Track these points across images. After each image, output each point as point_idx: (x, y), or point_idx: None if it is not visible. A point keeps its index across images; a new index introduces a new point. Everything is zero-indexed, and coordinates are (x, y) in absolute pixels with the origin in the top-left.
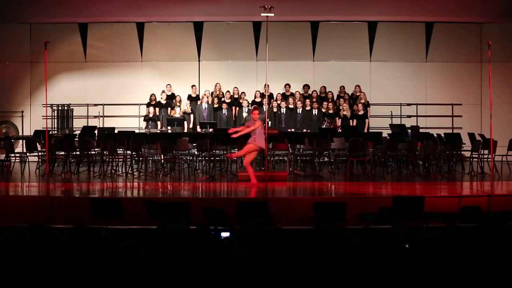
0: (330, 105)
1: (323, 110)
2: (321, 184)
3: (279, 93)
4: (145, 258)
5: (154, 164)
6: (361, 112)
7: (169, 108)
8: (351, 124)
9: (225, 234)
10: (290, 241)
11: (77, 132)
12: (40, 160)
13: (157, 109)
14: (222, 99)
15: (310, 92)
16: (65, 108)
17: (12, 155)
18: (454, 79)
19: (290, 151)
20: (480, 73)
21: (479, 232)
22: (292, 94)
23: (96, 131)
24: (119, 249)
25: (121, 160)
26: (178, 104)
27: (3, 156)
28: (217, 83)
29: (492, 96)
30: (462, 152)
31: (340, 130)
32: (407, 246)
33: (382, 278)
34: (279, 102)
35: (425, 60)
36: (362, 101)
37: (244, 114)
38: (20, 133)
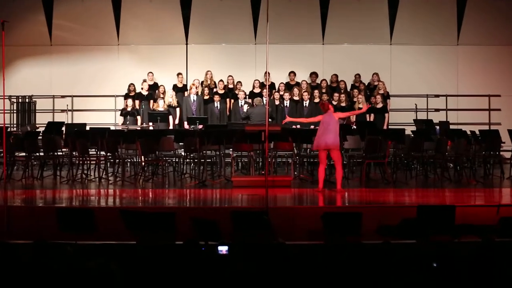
0: (343, 96)
1: (335, 103)
2: (332, 191)
3: (282, 83)
4: (120, 279)
5: (133, 167)
6: (380, 105)
7: (151, 101)
8: (368, 120)
9: (222, 249)
10: (295, 258)
11: (41, 129)
12: None
13: (136, 101)
14: (214, 89)
15: (318, 81)
16: (27, 100)
17: None
18: (492, 66)
19: (295, 152)
20: None
21: None
22: (297, 84)
23: (63, 128)
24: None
25: (94, 162)
26: (161, 95)
27: None
28: (208, 71)
29: None
30: (501, 153)
31: (355, 127)
32: (435, 264)
33: None
34: (282, 93)
35: (457, 43)
36: (381, 92)
37: (245, 107)
38: None
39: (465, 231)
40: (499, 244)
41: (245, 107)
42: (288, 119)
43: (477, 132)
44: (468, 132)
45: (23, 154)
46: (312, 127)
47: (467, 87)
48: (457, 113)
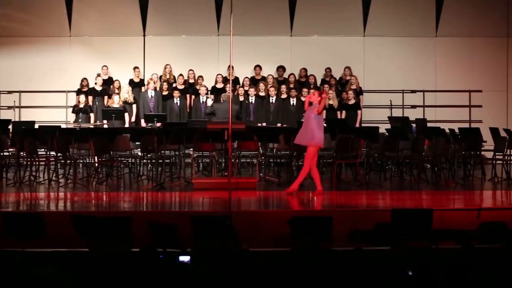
0: (312, 92)
1: (303, 99)
2: (300, 194)
3: (246, 77)
4: None
5: (86, 169)
6: (352, 102)
7: (105, 97)
8: (339, 117)
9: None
10: (260, 266)
11: None
12: None
13: (90, 97)
14: (174, 84)
15: (286, 75)
16: None
17: None
18: (472, 59)
19: (261, 152)
20: (507, 51)
21: (504, 255)
22: (263, 79)
23: (10, 126)
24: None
25: (43, 163)
26: (116, 91)
27: None
28: (167, 65)
29: None
30: (482, 153)
31: (325, 125)
32: (410, 272)
33: None
34: (246, 88)
35: (435, 34)
36: (353, 87)
37: (209, 102)
38: None
39: (443, 237)
40: (479, 250)
41: (209, 102)
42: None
43: (457, 130)
44: (447, 130)
45: None
46: (279, 125)
47: (446, 82)
48: (435, 110)
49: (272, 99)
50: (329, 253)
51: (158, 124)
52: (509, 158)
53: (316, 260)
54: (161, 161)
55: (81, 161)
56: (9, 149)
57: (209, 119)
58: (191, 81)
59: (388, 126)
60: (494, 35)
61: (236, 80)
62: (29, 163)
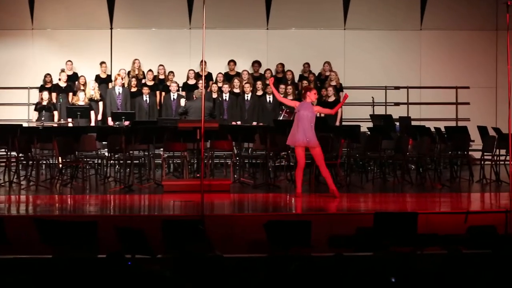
0: (290, 88)
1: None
2: (276, 197)
3: (220, 73)
4: None
5: (49, 170)
6: (332, 99)
7: (70, 94)
8: (318, 115)
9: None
10: (234, 272)
11: None
12: None
13: (53, 94)
14: (143, 81)
15: (262, 71)
16: None
17: None
18: (459, 53)
19: (235, 152)
20: (496, 45)
21: (493, 261)
22: (238, 74)
23: None
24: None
25: (3, 164)
26: (82, 87)
27: None
28: (136, 59)
29: (511, 76)
30: (470, 153)
31: None
32: (393, 280)
33: None
34: (220, 85)
35: (420, 27)
36: (333, 83)
37: (182, 101)
38: None
39: (429, 242)
40: (467, 256)
41: (183, 101)
42: (271, 82)
43: (443, 129)
44: (432, 129)
45: None
46: (254, 123)
47: (431, 78)
48: (420, 107)
49: (247, 96)
50: (307, 260)
51: (126, 123)
52: (498, 159)
53: (294, 266)
54: (129, 162)
55: (44, 162)
56: None
57: (182, 118)
58: (161, 77)
59: (370, 124)
60: (483, 28)
61: (209, 76)
62: None
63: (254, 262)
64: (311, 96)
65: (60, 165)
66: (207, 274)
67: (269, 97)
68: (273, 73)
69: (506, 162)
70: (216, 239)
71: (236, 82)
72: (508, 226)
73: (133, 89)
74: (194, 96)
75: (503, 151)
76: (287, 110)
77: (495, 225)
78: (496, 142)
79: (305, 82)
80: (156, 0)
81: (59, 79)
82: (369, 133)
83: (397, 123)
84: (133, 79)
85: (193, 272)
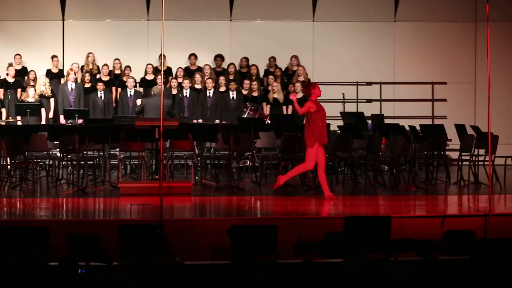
0: (255, 84)
1: (244, 93)
2: (241, 200)
3: (180, 68)
4: None
5: None
6: (300, 95)
7: (18, 89)
8: (284, 113)
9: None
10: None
11: None
12: None
13: (0, 90)
14: (98, 76)
15: (225, 66)
16: None
17: None
18: (436, 47)
19: (197, 152)
20: (475, 38)
21: (471, 268)
22: (199, 69)
23: None
24: None
25: None
26: (32, 83)
27: None
28: (90, 53)
29: (491, 71)
30: (447, 153)
31: (269, 121)
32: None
33: None
34: (180, 80)
35: (394, 18)
36: (301, 78)
37: (138, 101)
38: None
39: (403, 248)
40: (444, 263)
41: (139, 101)
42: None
43: (418, 128)
44: (407, 128)
45: None
46: (217, 121)
47: (406, 73)
48: (394, 104)
49: (209, 93)
50: (274, 267)
51: (80, 121)
52: (477, 159)
53: (260, 274)
54: (83, 163)
55: None
56: None
57: (139, 116)
58: (117, 72)
59: (341, 122)
60: (461, 19)
61: (168, 71)
62: None
63: (217, 269)
64: (317, 92)
65: (9, 167)
66: (167, 282)
67: (233, 94)
68: (237, 68)
69: (485, 163)
70: (176, 245)
71: (197, 77)
72: (487, 230)
73: (87, 85)
74: (152, 92)
75: (482, 151)
76: (252, 107)
77: (474, 230)
78: (475, 141)
79: (271, 77)
80: None
81: (7, 74)
82: (339, 132)
83: (369, 121)
84: (87, 74)
85: (152, 280)
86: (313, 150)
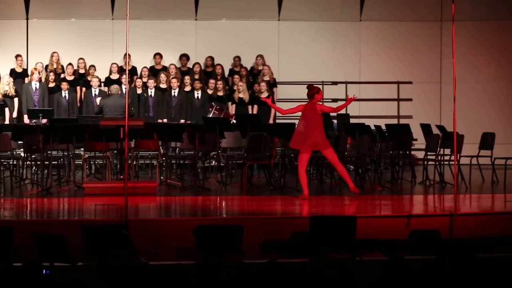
0: (220, 84)
1: (210, 92)
2: (206, 200)
3: (145, 67)
4: None
5: None
6: (265, 95)
7: None
8: (250, 112)
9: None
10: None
11: None
12: None
13: None
14: (62, 75)
15: (190, 65)
16: None
17: None
18: (402, 46)
19: (162, 152)
20: (440, 37)
21: (437, 268)
22: (164, 69)
23: None
24: None
25: None
26: None
27: None
28: (54, 52)
29: (456, 71)
30: (413, 152)
31: (235, 121)
32: None
33: None
34: (145, 79)
35: (359, 18)
36: (266, 78)
37: (97, 98)
38: None
39: (369, 248)
40: (410, 262)
41: (98, 99)
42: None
43: (384, 127)
44: (373, 127)
45: None
46: (182, 121)
47: (371, 73)
48: (359, 104)
49: (174, 92)
50: (239, 267)
51: (44, 121)
52: (442, 159)
53: (225, 274)
54: (47, 163)
55: None
56: None
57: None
58: (82, 71)
59: None
60: (426, 19)
61: (133, 70)
62: None
63: (182, 269)
64: (319, 97)
65: None
66: (131, 283)
67: (198, 93)
68: (202, 67)
69: (451, 162)
70: (141, 245)
71: (162, 77)
72: (453, 230)
73: (51, 85)
74: (109, 91)
75: (447, 151)
76: (217, 107)
77: (439, 230)
78: (440, 141)
79: (236, 77)
80: None
81: None
82: None
83: (335, 121)
84: (51, 74)
85: (117, 281)
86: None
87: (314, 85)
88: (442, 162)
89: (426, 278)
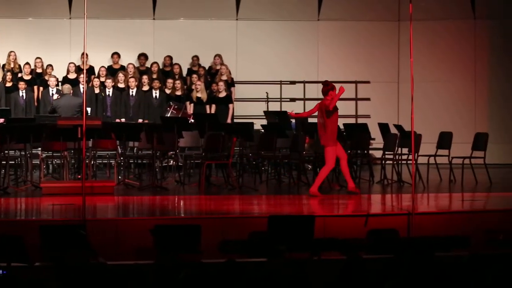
0: (178, 83)
1: (168, 92)
2: (164, 199)
3: (103, 66)
4: None
5: None
6: (223, 94)
7: None
8: (208, 112)
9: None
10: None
11: None
12: None
13: None
14: (19, 75)
15: (148, 64)
16: None
17: None
18: (360, 46)
19: (120, 151)
20: (398, 37)
21: (395, 267)
22: (122, 68)
23: None
24: None
25: None
26: None
27: None
28: (11, 52)
29: (414, 70)
30: (371, 152)
31: (193, 121)
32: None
33: None
34: (103, 79)
35: (317, 17)
36: (224, 77)
37: (54, 97)
38: None
39: (327, 247)
40: (368, 262)
41: (55, 97)
42: (293, 114)
43: (342, 127)
44: None
45: None
46: (140, 121)
47: (329, 72)
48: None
49: (132, 92)
50: (197, 266)
51: (1, 120)
52: (400, 158)
53: (183, 274)
54: (4, 162)
55: None
56: None
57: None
58: (39, 70)
59: (264, 121)
60: (384, 18)
61: (91, 70)
62: None
63: (141, 269)
64: (333, 93)
65: None
66: (89, 283)
67: (156, 93)
68: (160, 67)
69: (409, 162)
70: (99, 245)
71: (120, 76)
72: (411, 229)
73: (8, 84)
74: (62, 91)
75: (405, 150)
76: (175, 107)
77: (397, 229)
78: (398, 140)
79: (194, 76)
80: None
81: None
82: (263, 131)
83: (293, 120)
84: (8, 73)
85: (75, 281)
86: (333, 149)
87: (329, 82)
88: (400, 162)
89: (384, 277)
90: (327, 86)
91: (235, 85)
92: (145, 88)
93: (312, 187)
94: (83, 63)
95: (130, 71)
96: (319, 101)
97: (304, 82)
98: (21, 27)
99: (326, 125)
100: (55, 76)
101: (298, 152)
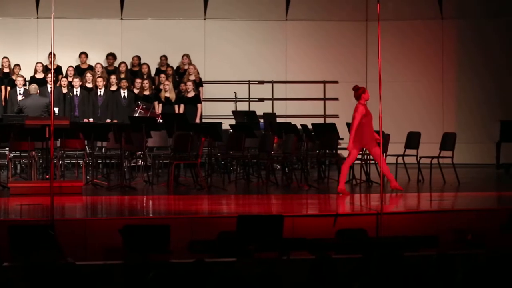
0: (146, 83)
1: (136, 91)
2: (133, 199)
3: (71, 66)
4: None
5: None
6: (191, 94)
7: None
8: (176, 111)
9: None
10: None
11: None
12: None
13: None
14: None
15: (116, 64)
16: None
17: None
18: (328, 46)
19: (88, 151)
20: (366, 37)
21: (364, 266)
22: (90, 68)
23: None
24: None
25: None
26: None
27: None
28: None
29: (382, 70)
30: (339, 151)
31: (161, 120)
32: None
33: None
34: (70, 79)
35: (285, 17)
36: (192, 77)
37: (19, 97)
38: None
39: (296, 247)
40: (337, 261)
41: (20, 97)
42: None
43: (310, 126)
44: (299, 127)
45: None
46: (108, 120)
47: (298, 72)
48: (286, 103)
49: (100, 91)
50: (166, 266)
51: None
52: (368, 158)
53: (152, 274)
54: None
55: None
56: None
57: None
58: (6, 70)
59: (233, 121)
60: (352, 18)
61: (58, 70)
62: None
63: (110, 269)
64: (365, 96)
65: None
66: (57, 283)
67: (124, 92)
68: (128, 67)
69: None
70: (67, 245)
71: (88, 76)
72: (379, 229)
73: None
74: (28, 91)
75: None
76: (143, 106)
77: (366, 228)
78: None
79: (162, 76)
80: None
81: None
82: (231, 130)
83: (261, 120)
84: None
85: (43, 281)
86: (355, 146)
87: (360, 86)
88: (368, 161)
89: (352, 277)
90: (358, 91)
91: (204, 85)
92: (113, 88)
93: (392, 184)
94: (50, 62)
95: (98, 71)
96: (356, 108)
97: (272, 82)
98: None
99: (362, 127)
100: (22, 76)
101: (267, 152)
